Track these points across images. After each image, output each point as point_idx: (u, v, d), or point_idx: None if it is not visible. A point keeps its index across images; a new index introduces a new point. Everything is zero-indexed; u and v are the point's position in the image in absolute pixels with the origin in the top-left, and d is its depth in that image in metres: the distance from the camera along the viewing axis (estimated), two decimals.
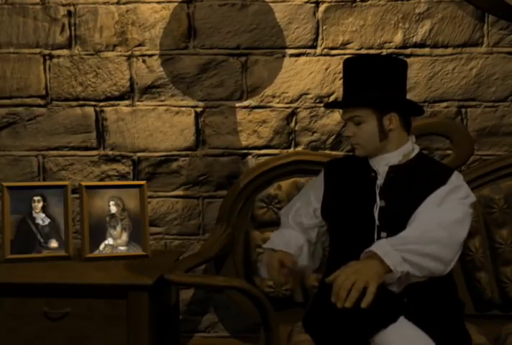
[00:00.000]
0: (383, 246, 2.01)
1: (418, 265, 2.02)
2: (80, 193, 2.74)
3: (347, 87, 2.26)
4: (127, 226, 2.76)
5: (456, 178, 2.22)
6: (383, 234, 2.17)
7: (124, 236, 2.75)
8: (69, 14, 3.00)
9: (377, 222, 2.20)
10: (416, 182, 2.20)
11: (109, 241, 2.74)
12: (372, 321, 2.03)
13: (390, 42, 2.92)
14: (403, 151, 2.25)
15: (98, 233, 2.74)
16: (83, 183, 2.76)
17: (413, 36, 2.91)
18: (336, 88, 2.92)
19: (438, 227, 2.08)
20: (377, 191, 2.22)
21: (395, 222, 2.14)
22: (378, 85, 2.19)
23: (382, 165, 2.24)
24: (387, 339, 2.02)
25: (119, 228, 2.76)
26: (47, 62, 3.02)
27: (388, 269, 1.97)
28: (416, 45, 2.92)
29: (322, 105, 2.92)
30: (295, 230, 2.37)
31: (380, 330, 2.04)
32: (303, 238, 2.34)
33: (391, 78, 2.22)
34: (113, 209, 2.76)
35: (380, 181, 2.23)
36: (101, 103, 3.02)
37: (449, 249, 2.09)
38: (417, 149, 2.29)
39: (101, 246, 2.73)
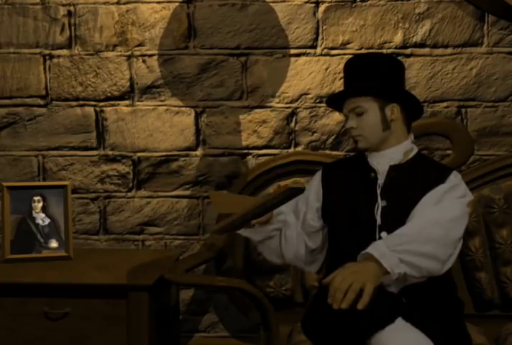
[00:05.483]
0: (380, 248, 2.01)
1: (415, 265, 2.03)
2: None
3: (348, 81, 2.30)
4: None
5: (454, 177, 2.24)
6: (384, 234, 2.17)
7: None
8: (69, 14, 3.00)
9: (378, 222, 2.20)
10: (416, 181, 2.22)
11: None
12: (369, 322, 2.02)
13: (390, 42, 2.92)
14: (404, 147, 2.27)
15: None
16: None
17: (413, 36, 2.91)
18: (336, 88, 2.92)
19: (435, 225, 2.08)
20: (379, 191, 2.23)
21: (397, 221, 2.15)
22: (379, 76, 2.22)
23: (382, 164, 2.25)
24: (384, 340, 2.01)
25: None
26: (47, 62, 3.02)
27: (385, 271, 1.98)
28: (416, 45, 2.92)
29: (322, 105, 2.92)
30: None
31: (376, 332, 2.03)
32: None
33: (391, 72, 2.25)
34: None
35: (380, 181, 2.24)
36: (101, 103, 3.02)
37: (446, 247, 2.10)
38: (416, 149, 2.32)
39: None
